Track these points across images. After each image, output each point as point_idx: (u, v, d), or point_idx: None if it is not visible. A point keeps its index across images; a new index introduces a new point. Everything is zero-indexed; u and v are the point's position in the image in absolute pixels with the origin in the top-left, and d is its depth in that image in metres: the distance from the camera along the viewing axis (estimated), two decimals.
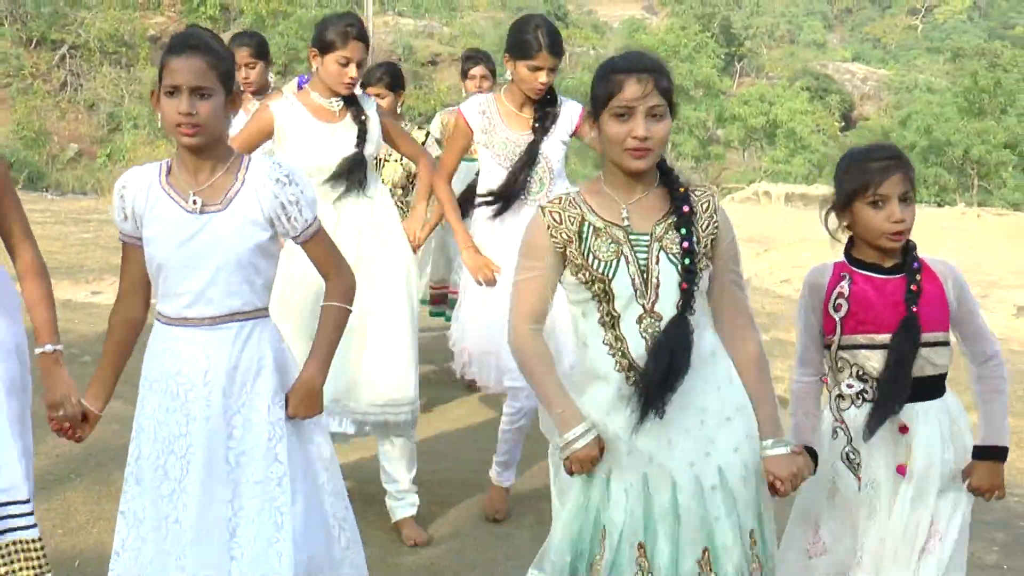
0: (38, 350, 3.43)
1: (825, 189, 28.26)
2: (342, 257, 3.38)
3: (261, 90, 6.38)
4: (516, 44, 4.96)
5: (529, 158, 4.99)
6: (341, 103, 4.95)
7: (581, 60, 52.18)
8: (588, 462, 3.04)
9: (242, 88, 6.03)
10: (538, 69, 4.94)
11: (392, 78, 6.44)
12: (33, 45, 41.97)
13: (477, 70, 7.24)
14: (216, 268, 3.12)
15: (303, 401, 3.23)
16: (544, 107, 5.07)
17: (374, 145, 4.98)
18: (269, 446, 3.15)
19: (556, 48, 4.94)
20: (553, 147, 5.06)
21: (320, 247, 3.29)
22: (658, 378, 2.96)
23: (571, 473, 3.07)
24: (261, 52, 6.43)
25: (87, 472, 5.58)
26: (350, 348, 4.64)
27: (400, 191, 6.56)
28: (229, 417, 3.14)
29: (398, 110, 6.55)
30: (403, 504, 5.06)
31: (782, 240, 18.64)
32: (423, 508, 5.17)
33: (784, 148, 47.84)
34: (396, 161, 6.76)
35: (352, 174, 4.86)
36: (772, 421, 3.14)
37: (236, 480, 3.12)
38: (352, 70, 4.86)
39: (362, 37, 4.89)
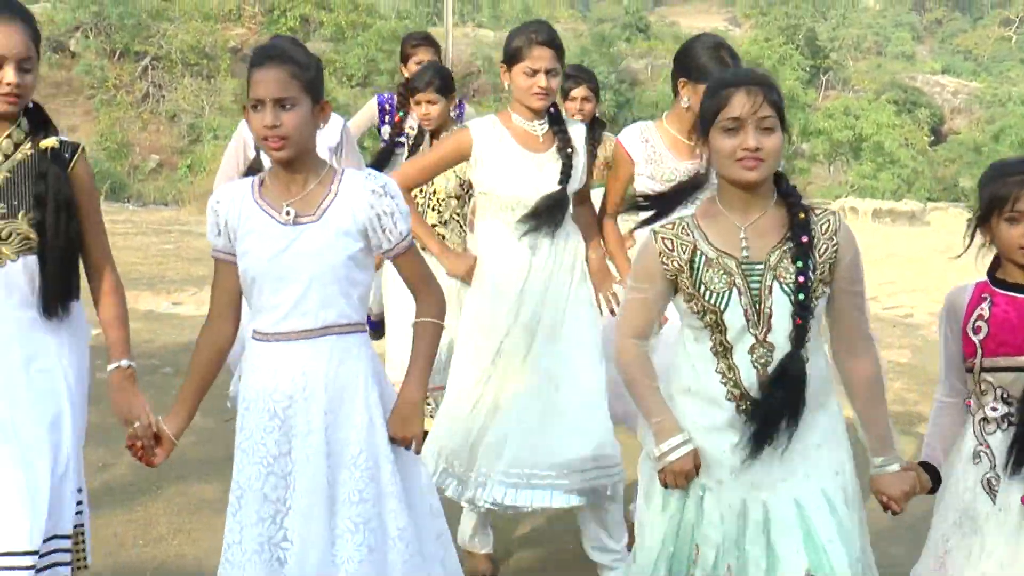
0: (111, 366, 3.49)
1: (914, 205, 27.77)
2: (432, 273, 3.39)
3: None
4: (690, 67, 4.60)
5: (695, 184, 4.62)
6: (545, 127, 4.54)
7: (663, 72, 51.99)
8: (683, 476, 3.04)
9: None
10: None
11: (443, 81, 5.92)
12: (117, 57, 42.86)
13: (579, 91, 6.61)
14: (310, 279, 3.13)
15: (404, 421, 3.21)
16: None
17: (578, 182, 4.57)
18: (368, 465, 3.14)
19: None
20: None
21: (412, 262, 3.29)
22: (774, 417, 2.96)
23: (665, 486, 3.07)
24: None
25: (168, 484, 5.66)
26: (538, 410, 4.42)
27: (454, 201, 5.95)
28: (329, 434, 3.13)
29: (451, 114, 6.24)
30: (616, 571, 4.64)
31: (869, 256, 18.32)
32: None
33: (871, 163, 47.19)
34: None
35: (551, 214, 4.47)
36: (883, 440, 3.12)
37: (333, 498, 3.11)
38: (541, 79, 4.41)
39: (550, 43, 4.42)
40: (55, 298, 3.38)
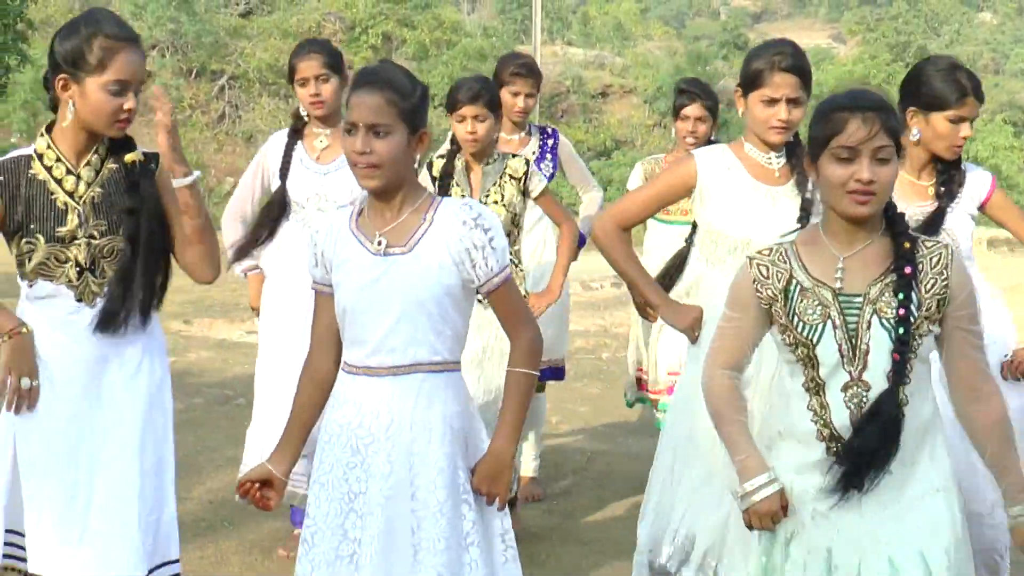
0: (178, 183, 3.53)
1: None
2: (530, 313, 3.33)
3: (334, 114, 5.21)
4: (927, 97, 4.31)
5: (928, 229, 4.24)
6: (783, 160, 4.16)
7: None
8: (769, 517, 3.00)
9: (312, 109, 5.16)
10: (961, 120, 4.36)
11: (492, 96, 5.26)
12: (193, 76, 43.70)
13: (693, 109, 6.10)
14: (399, 314, 3.12)
15: (492, 476, 3.17)
16: (950, 169, 4.43)
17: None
18: (452, 515, 3.11)
19: (980, 93, 4.40)
20: (960, 222, 4.41)
21: (506, 301, 3.23)
22: (864, 459, 2.90)
23: (750, 527, 3.04)
24: (334, 64, 5.18)
25: (240, 521, 5.73)
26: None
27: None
28: (412, 477, 3.11)
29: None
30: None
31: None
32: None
33: None
34: (498, 203, 5.27)
35: None
36: (1019, 487, 3.00)
37: (416, 545, 3.09)
38: (782, 111, 4.04)
39: (795, 68, 4.04)
40: (142, 308, 3.52)
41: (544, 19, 44.10)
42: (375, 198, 3.19)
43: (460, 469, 3.15)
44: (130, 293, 3.46)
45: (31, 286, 3.48)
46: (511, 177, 5.16)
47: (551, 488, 6.56)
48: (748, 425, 3.11)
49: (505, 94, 5.75)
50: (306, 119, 5.17)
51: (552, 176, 5.97)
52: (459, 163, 5.22)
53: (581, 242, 5.84)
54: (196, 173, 3.51)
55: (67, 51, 3.38)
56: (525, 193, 5.20)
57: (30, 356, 3.44)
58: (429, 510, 3.09)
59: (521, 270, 5.24)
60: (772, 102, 4.03)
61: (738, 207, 4.11)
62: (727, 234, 4.13)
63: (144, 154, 3.55)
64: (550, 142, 6.06)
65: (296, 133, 5.21)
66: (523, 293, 4.89)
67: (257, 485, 3.30)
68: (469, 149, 5.18)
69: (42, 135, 3.49)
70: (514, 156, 5.20)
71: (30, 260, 3.44)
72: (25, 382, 3.41)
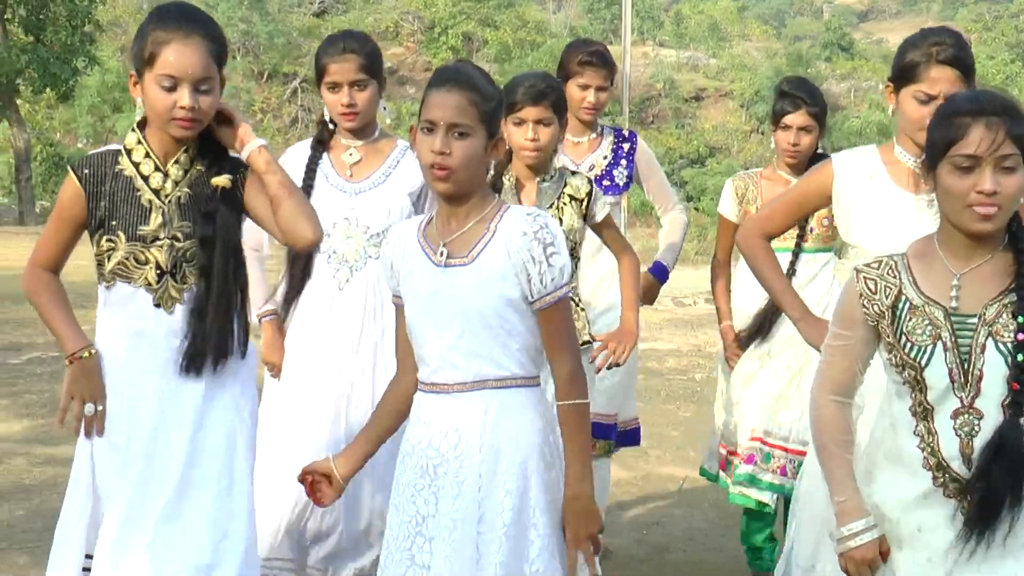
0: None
1: None
2: (575, 343, 3.26)
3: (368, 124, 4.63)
4: None
5: None
6: None
7: (868, 96, 51.17)
8: (866, 564, 2.95)
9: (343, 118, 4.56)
10: None
11: (559, 96, 4.53)
12: (265, 79, 44.31)
13: (796, 117, 5.33)
14: (461, 328, 3.11)
15: (582, 522, 3.12)
16: None
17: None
18: (517, 539, 3.09)
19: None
20: None
21: (555, 322, 3.17)
22: (993, 500, 2.83)
23: (847, 572, 3.00)
24: (373, 67, 4.56)
25: None
26: None
27: None
28: (480, 499, 3.09)
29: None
30: None
31: None
32: None
33: None
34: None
35: None
36: None
37: (479, 569, 3.07)
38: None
39: (956, 60, 3.76)
40: (212, 352, 3.43)
41: (634, 18, 43.95)
42: (444, 204, 3.19)
43: (531, 491, 3.10)
44: (206, 330, 3.42)
45: (108, 289, 3.47)
46: (572, 198, 4.51)
47: (641, 518, 6.53)
48: (853, 463, 3.05)
49: (572, 87, 5.21)
50: (333, 128, 4.57)
51: (627, 186, 5.45)
52: (508, 178, 4.47)
53: (661, 275, 5.45)
54: (258, 142, 3.48)
55: (133, 47, 3.41)
56: (586, 218, 4.52)
57: (94, 380, 3.44)
58: (495, 533, 3.07)
59: (582, 309, 4.62)
60: (928, 99, 3.74)
61: (879, 219, 3.88)
62: (866, 249, 3.88)
63: (232, 174, 3.48)
64: (626, 146, 5.51)
65: (321, 145, 4.61)
66: (587, 338, 4.51)
67: (316, 478, 3.32)
68: (527, 160, 4.44)
69: (133, 130, 3.50)
70: (574, 173, 4.56)
71: (109, 259, 3.43)
72: (89, 408, 3.41)
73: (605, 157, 5.41)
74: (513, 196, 4.44)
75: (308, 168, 4.52)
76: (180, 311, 3.43)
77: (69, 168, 3.48)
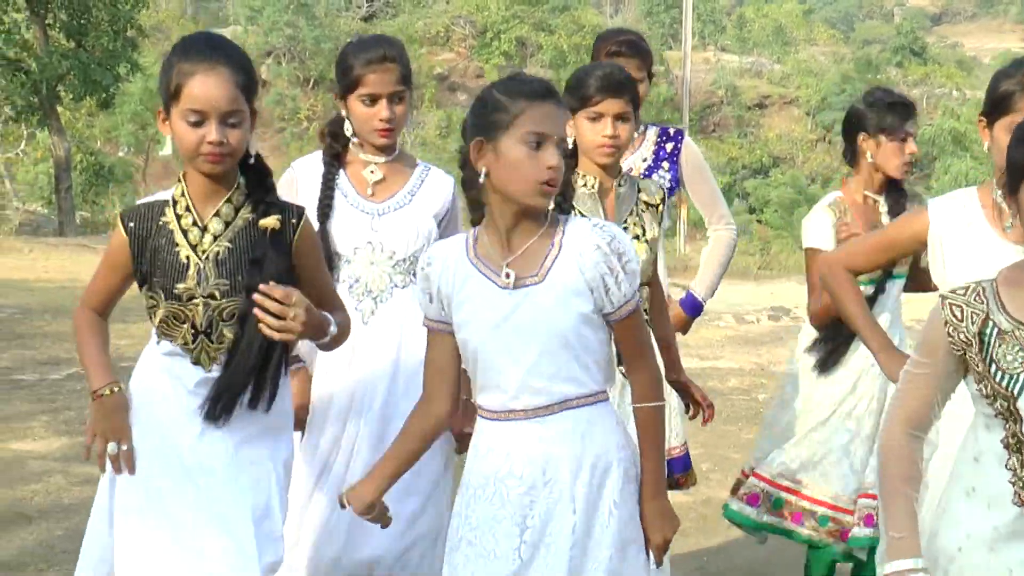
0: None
1: None
2: (651, 343, 3.34)
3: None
4: None
5: None
6: None
7: (942, 103, 50.80)
8: None
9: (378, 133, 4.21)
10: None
11: (636, 89, 4.31)
12: (311, 85, 44.56)
13: (911, 127, 5.01)
14: (540, 351, 3.11)
15: (666, 524, 3.19)
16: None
17: None
18: (619, 554, 3.13)
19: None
20: None
21: (633, 330, 3.22)
22: None
23: None
24: (409, 76, 4.30)
25: None
26: None
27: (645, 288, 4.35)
28: (577, 521, 3.11)
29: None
30: None
31: None
32: None
33: None
34: (640, 239, 4.29)
35: None
36: None
37: None
38: None
39: None
40: (231, 399, 3.40)
41: (695, 22, 43.98)
42: (513, 221, 3.15)
43: (627, 505, 3.16)
44: (234, 381, 3.39)
45: (158, 342, 3.48)
46: (647, 204, 4.29)
47: (701, 544, 6.50)
48: (915, 501, 3.01)
49: None
50: (352, 141, 4.24)
51: (673, 191, 5.10)
52: (584, 184, 4.21)
53: (692, 310, 5.17)
54: (333, 328, 3.48)
55: (160, 80, 3.38)
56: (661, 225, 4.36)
57: (116, 419, 3.42)
58: (602, 550, 3.11)
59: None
60: None
61: (977, 268, 3.66)
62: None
63: (283, 216, 3.43)
64: (669, 146, 5.13)
65: (336, 161, 4.26)
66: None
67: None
68: (602, 158, 4.22)
69: (179, 180, 3.47)
70: (643, 177, 4.46)
71: (154, 316, 3.45)
72: (112, 447, 3.40)
73: (644, 159, 5.14)
74: (596, 203, 4.20)
75: (325, 185, 4.20)
76: (218, 369, 3.42)
77: (118, 218, 3.48)
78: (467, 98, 48.73)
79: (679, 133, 5.18)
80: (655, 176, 5.03)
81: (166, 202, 3.44)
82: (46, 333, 11.50)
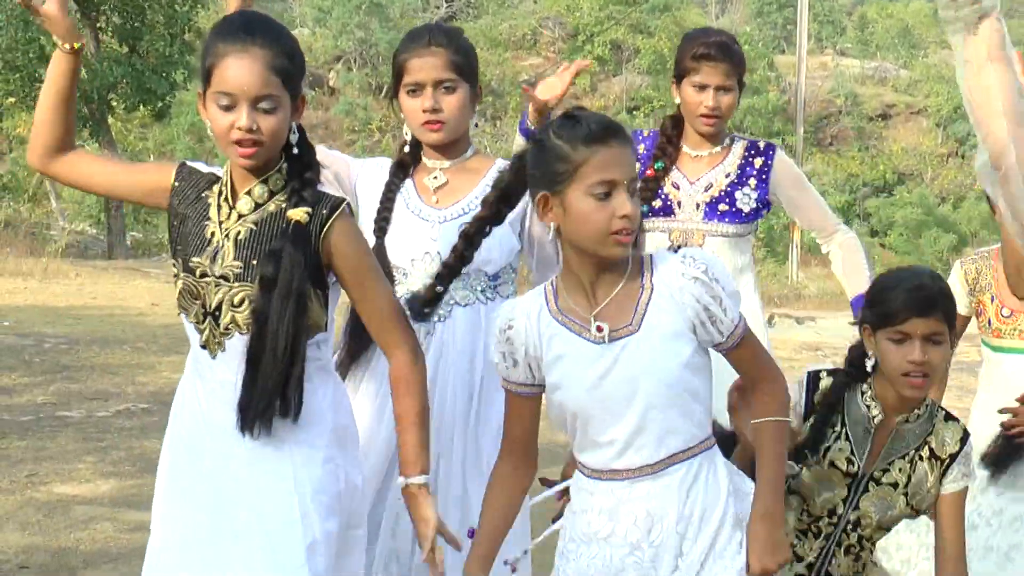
0: (402, 480, 3.43)
1: None
2: (772, 357, 3.36)
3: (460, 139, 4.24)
4: None
5: None
6: None
7: None
8: None
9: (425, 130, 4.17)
10: None
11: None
12: (384, 93, 44.74)
13: None
14: (644, 407, 3.14)
15: (766, 547, 3.19)
16: None
17: None
18: None
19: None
20: None
21: (751, 349, 3.25)
22: None
23: None
24: (464, 66, 4.16)
25: None
26: None
27: None
28: None
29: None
30: None
31: None
32: None
33: None
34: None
35: None
36: None
37: None
38: None
39: None
40: (257, 413, 3.37)
41: (811, 23, 43.74)
42: (598, 270, 3.17)
43: (735, 554, 3.19)
44: (260, 386, 3.36)
45: (178, 313, 3.53)
46: (933, 455, 3.92)
47: None
48: None
49: (687, 89, 4.88)
50: (417, 151, 4.22)
51: (755, 215, 5.00)
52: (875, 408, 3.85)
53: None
54: (427, 477, 3.42)
55: (200, 61, 3.44)
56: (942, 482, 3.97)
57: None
58: None
59: None
60: None
61: None
62: None
63: (313, 210, 3.41)
64: (758, 162, 5.03)
65: (402, 170, 4.24)
66: None
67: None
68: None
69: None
70: (949, 418, 4.00)
71: (176, 285, 3.50)
72: None
73: (728, 175, 4.99)
74: (866, 434, 3.78)
75: (386, 197, 4.15)
76: (224, 359, 3.42)
77: (176, 165, 3.55)
78: (555, 106, 48.77)
79: (770, 148, 5.08)
80: (739, 194, 4.92)
81: (218, 178, 3.50)
82: (93, 365, 11.62)
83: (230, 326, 3.41)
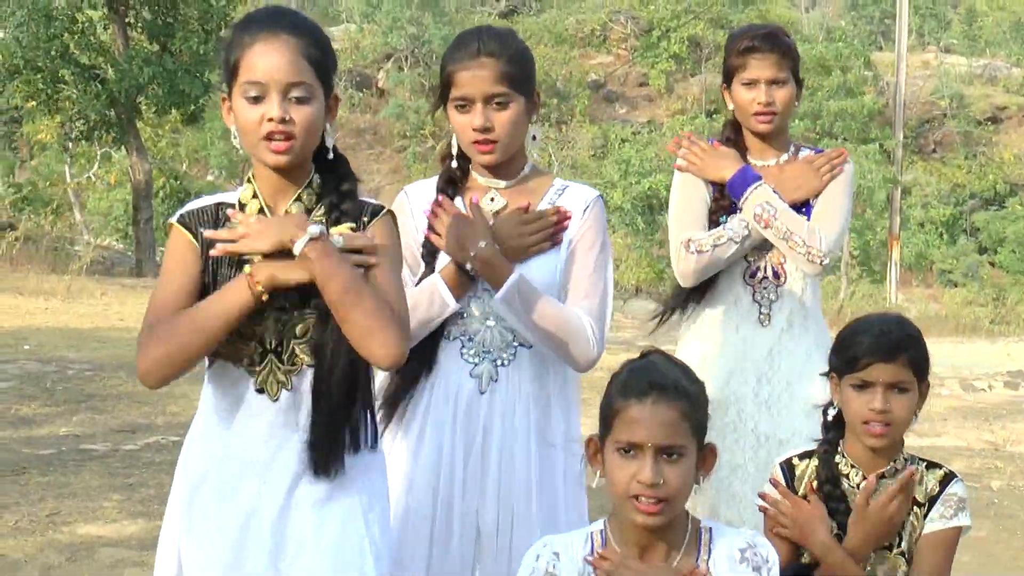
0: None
1: None
2: None
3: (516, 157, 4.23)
4: None
5: None
6: None
7: None
8: None
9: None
10: None
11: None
12: (432, 99, 44.93)
13: None
14: None
15: None
16: None
17: None
18: None
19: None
20: None
21: None
22: None
23: None
24: (518, 76, 4.11)
25: None
26: None
27: None
28: None
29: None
30: None
31: None
32: None
33: None
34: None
35: None
36: None
37: None
38: None
39: None
40: (330, 450, 3.41)
41: (912, 17, 43.58)
42: (650, 541, 3.30)
43: None
44: (332, 420, 3.40)
45: (211, 364, 3.50)
46: (915, 503, 3.95)
47: None
48: None
49: (738, 89, 4.90)
50: (466, 165, 4.22)
51: None
52: (852, 474, 3.89)
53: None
54: (317, 228, 3.32)
55: (222, 64, 3.45)
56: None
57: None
58: None
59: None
60: None
61: None
62: None
63: (362, 212, 3.47)
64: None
65: (451, 187, 4.21)
66: None
67: None
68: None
69: (249, 180, 3.53)
70: (931, 465, 4.03)
71: None
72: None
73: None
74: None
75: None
76: (287, 399, 3.43)
77: (176, 223, 3.50)
78: (627, 110, 48.86)
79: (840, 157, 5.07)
80: (812, 201, 4.90)
81: (222, 203, 3.49)
82: (120, 394, 11.72)
83: (296, 361, 3.42)
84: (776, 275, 4.88)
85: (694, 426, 3.25)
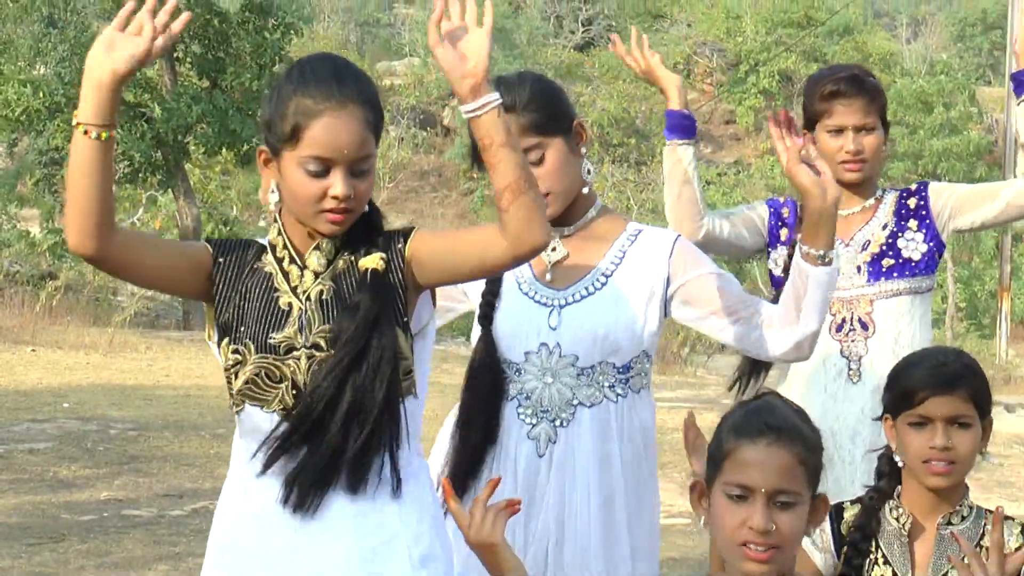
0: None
1: None
2: None
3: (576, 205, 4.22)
4: None
5: None
6: None
7: None
8: None
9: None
10: None
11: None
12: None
13: None
14: None
15: None
16: None
17: None
18: None
19: None
20: None
21: None
22: None
23: None
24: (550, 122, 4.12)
25: None
26: None
27: None
28: None
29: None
30: None
31: None
32: None
33: None
34: None
35: None
36: None
37: None
38: None
39: None
40: (311, 484, 3.41)
41: None
42: None
43: None
44: (316, 456, 3.40)
45: (239, 413, 3.52)
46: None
47: None
48: None
49: (822, 136, 4.92)
50: None
51: (930, 262, 4.99)
52: (896, 517, 3.82)
53: None
54: (494, 97, 3.35)
55: (265, 114, 3.47)
56: None
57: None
58: None
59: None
60: None
61: None
62: None
63: (392, 240, 3.49)
64: (912, 201, 5.07)
65: None
66: None
67: None
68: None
69: (274, 221, 3.57)
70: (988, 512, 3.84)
71: (237, 376, 3.48)
72: None
73: (885, 226, 5.02)
74: (902, 548, 3.79)
75: (490, 276, 4.05)
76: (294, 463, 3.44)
77: (204, 242, 3.58)
78: (712, 150, 48.75)
79: (922, 185, 5.15)
80: (901, 242, 4.96)
81: (264, 247, 3.55)
82: (166, 456, 11.80)
83: None
84: (864, 326, 4.86)
85: (809, 473, 3.26)
